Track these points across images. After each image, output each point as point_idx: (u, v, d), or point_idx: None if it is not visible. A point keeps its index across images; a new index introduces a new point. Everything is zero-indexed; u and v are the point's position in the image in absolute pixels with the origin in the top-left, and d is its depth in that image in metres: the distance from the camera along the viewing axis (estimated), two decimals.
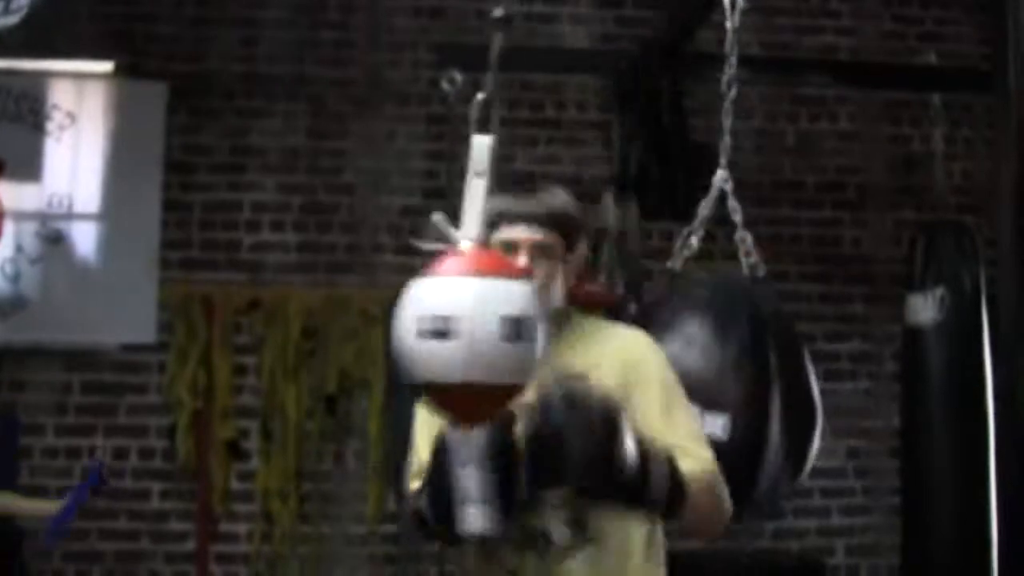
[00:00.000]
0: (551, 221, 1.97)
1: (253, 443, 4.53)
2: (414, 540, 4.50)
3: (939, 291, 3.96)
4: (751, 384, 2.77)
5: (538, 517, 1.87)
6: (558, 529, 1.88)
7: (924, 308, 3.98)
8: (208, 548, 4.47)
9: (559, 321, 1.95)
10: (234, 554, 4.50)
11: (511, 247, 1.93)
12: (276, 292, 4.59)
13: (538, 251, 1.93)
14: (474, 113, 1.71)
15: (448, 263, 1.57)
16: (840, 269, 4.91)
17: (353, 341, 4.56)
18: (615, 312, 3.58)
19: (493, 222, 1.93)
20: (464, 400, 1.54)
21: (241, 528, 4.51)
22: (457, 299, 1.51)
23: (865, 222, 4.95)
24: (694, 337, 2.79)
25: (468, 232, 1.60)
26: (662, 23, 4.27)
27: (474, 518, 1.59)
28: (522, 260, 1.92)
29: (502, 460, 1.62)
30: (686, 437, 1.88)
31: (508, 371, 1.53)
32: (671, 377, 1.98)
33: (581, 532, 1.88)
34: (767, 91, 4.78)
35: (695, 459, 1.85)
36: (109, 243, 4.56)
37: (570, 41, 4.81)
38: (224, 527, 4.50)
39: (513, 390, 1.56)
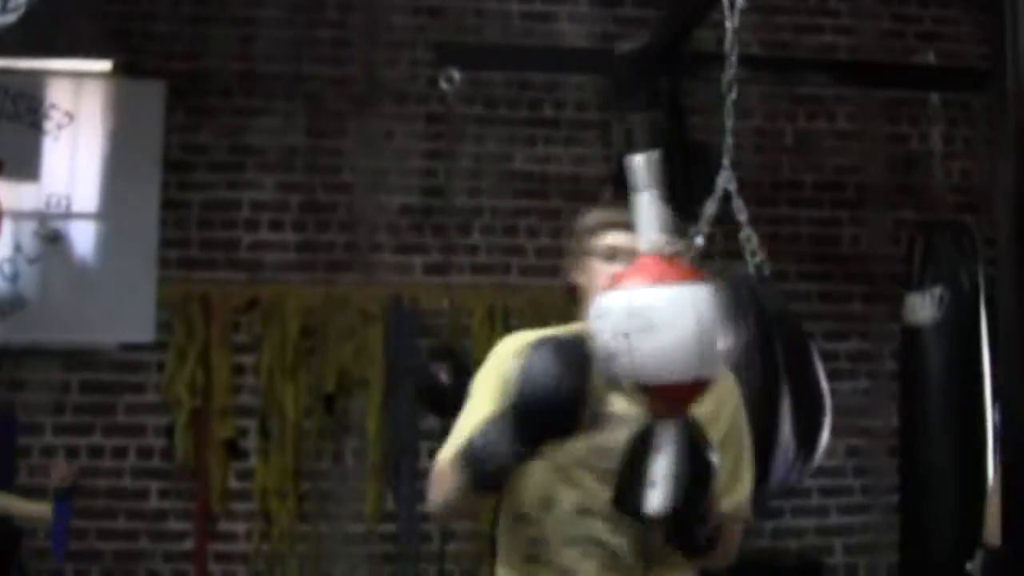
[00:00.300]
0: None
1: (252, 442, 4.53)
2: (413, 539, 4.50)
3: (938, 290, 3.96)
4: (760, 383, 2.77)
5: (609, 531, 1.92)
6: (625, 545, 1.93)
7: (923, 307, 3.98)
8: (207, 547, 4.47)
9: None
10: (233, 553, 4.50)
11: (613, 253, 1.97)
12: (275, 291, 4.59)
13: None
14: (639, 129, 1.83)
15: (675, 271, 1.69)
16: (839, 268, 4.92)
17: (352, 340, 4.56)
18: None
19: (596, 229, 2.01)
20: (691, 393, 1.69)
21: (240, 527, 4.51)
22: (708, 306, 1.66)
23: (864, 221, 4.95)
24: None
25: (650, 240, 1.74)
26: (661, 22, 4.27)
27: (659, 498, 1.68)
28: (622, 267, 1.92)
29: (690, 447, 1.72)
30: (734, 468, 1.98)
31: (717, 366, 1.71)
32: (740, 407, 2.07)
33: (644, 551, 1.93)
34: (766, 90, 4.79)
35: (732, 496, 1.96)
36: (107, 242, 4.55)
37: (568, 40, 4.81)
38: (223, 526, 4.50)
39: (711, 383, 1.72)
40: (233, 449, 4.52)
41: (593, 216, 2.07)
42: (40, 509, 3.52)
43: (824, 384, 2.97)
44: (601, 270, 1.98)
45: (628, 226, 1.92)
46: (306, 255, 4.67)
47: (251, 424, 4.54)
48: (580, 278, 2.05)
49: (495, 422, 1.76)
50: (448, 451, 1.91)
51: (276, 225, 4.68)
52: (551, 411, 1.70)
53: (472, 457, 1.78)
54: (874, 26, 4.97)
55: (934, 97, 4.40)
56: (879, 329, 4.75)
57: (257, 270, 4.63)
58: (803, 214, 4.94)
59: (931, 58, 4.49)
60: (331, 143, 4.72)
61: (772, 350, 2.84)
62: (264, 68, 4.66)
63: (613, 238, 1.98)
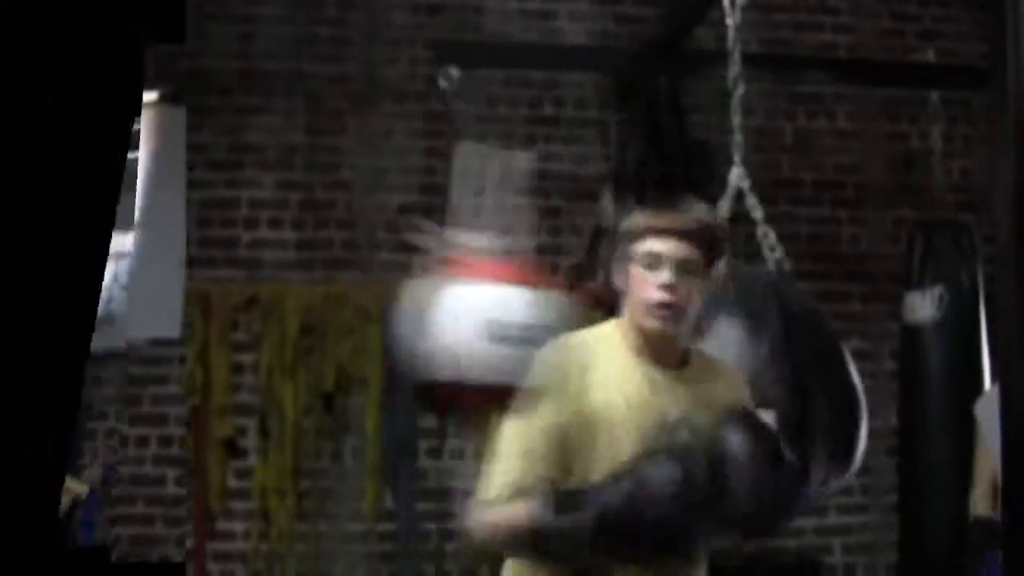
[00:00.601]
0: (699, 236, 1.91)
1: (251, 441, 4.52)
2: (411, 538, 4.50)
3: (937, 289, 3.96)
4: (789, 381, 2.73)
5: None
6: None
7: (922, 306, 3.98)
8: (205, 546, 4.47)
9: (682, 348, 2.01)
10: (231, 552, 4.49)
11: (654, 260, 1.90)
12: (274, 289, 4.58)
13: (682, 266, 1.89)
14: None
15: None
16: (838, 267, 4.91)
17: (351, 338, 4.55)
18: (614, 310, 3.57)
19: (637, 234, 1.92)
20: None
21: (238, 526, 4.50)
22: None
23: (863, 220, 4.94)
24: (727, 338, 2.70)
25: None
26: (660, 20, 4.27)
27: None
28: (666, 276, 1.88)
29: None
30: None
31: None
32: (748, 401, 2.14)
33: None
34: (765, 88, 4.78)
35: None
36: None
37: (568, 38, 4.80)
38: (221, 525, 4.49)
39: None
40: (232, 448, 4.51)
41: (636, 219, 1.97)
42: (81, 489, 3.53)
43: (857, 382, 2.93)
44: (641, 277, 1.91)
45: (672, 232, 1.88)
46: (305, 253, 4.66)
47: (250, 423, 4.53)
48: (619, 282, 1.97)
49: (574, 513, 1.75)
50: (505, 481, 1.88)
51: (275, 223, 4.67)
52: (648, 536, 1.75)
53: (550, 542, 1.78)
54: (874, 24, 4.96)
55: (934, 95, 4.40)
56: (879, 328, 4.74)
57: (256, 268, 4.63)
58: (803, 213, 4.93)
59: (931, 56, 4.49)
60: (330, 141, 4.71)
61: (798, 349, 2.81)
62: (263, 66, 4.65)
63: (654, 244, 1.90)
